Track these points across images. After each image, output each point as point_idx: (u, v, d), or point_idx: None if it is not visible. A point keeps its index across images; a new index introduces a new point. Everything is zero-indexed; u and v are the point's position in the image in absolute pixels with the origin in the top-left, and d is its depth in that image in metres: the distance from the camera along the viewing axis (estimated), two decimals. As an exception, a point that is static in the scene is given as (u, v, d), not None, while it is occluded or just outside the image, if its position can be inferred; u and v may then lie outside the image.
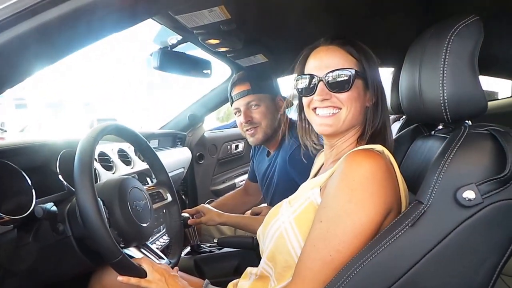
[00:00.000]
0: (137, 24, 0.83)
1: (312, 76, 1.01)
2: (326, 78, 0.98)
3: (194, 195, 2.81)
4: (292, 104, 1.20)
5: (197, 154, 2.80)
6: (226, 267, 1.69)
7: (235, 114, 1.85)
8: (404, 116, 2.49)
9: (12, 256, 1.12)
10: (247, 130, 1.80)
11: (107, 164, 1.70)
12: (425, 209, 0.78)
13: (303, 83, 1.03)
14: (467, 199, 0.74)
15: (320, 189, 0.96)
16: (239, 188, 2.39)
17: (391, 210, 0.88)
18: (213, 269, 1.68)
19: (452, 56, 0.82)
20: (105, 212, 1.09)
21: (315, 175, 1.19)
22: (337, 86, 0.98)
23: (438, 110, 0.85)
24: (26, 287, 1.20)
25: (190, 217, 1.70)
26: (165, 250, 1.83)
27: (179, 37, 1.71)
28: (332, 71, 0.98)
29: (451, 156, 0.77)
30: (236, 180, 3.13)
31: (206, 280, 1.23)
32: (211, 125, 3.61)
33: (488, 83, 3.25)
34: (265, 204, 2.03)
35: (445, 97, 0.83)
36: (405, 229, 0.79)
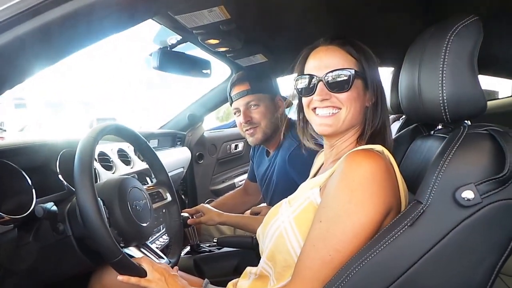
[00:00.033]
0: (137, 24, 0.84)
1: (311, 76, 1.01)
2: (326, 78, 0.98)
3: (193, 195, 2.81)
4: (292, 104, 1.20)
5: (197, 154, 2.80)
6: (225, 266, 1.69)
7: (235, 114, 1.85)
8: (403, 116, 2.50)
9: (13, 256, 1.12)
10: (246, 130, 1.80)
11: (107, 164, 1.71)
12: (424, 209, 0.78)
13: (303, 83, 1.03)
14: (466, 199, 0.74)
15: (320, 189, 0.96)
16: (238, 188, 2.39)
17: (390, 210, 0.88)
18: (213, 268, 1.68)
19: (451, 56, 0.82)
20: (105, 211, 1.09)
21: (314, 175, 1.19)
22: (336, 86, 0.98)
23: (437, 110, 0.85)
24: (26, 286, 1.20)
25: (190, 217, 1.70)
26: (165, 249, 1.83)
27: (179, 37, 1.71)
28: (332, 71, 0.98)
29: (450, 156, 0.77)
30: (236, 180, 3.13)
31: (206, 279, 1.24)
32: (210, 125, 3.61)
33: (488, 82, 3.25)
34: (265, 204, 2.03)
35: (445, 97, 0.83)
36: (404, 229, 0.79)
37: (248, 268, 1.19)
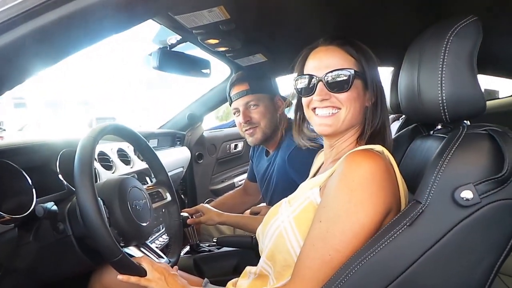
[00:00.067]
0: (137, 25, 0.84)
1: (311, 76, 1.01)
2: (326, 78, 0.98)
3: (193, 195, 2.81)
4: (292, 103, 1.21)
5: (196, 154, 2.80)
6: (225, 266, 1.69)
7: (234, 114, 1.85)
8: (403, 116, 2.50)
9: (13, 255, 1.12)
10: (246, 130, 1.80)
11: (106, 163, 1.71)
12: (423, 208, 0.78)
13: (303, 83, 1.04)
14: (464, 199, 0.75)
15: (320, 189, 0.97)
16: (238, 188, 2.39)
17: (390, 210, 0.88)
18: (212, 268, 1.68)
19: (451, 56, 0.83)
20: (105, 211, 1.09)
21: (314, 175, 1.20)
22: (336, 86, 0.98)
23: (436, 110, 0.85)
24: (26, 285, 1.21)
25: (190, 217, 1.71)
26: (165, 249, 1.84)
27: (178, 37, 1.71)
28: (332, 71, 0.98)
29: (449, 156, 0.78)
30: (235, 180, 3.13)
31: (206, 279, 1.24)
32: (210, 124, 3.61)
33: (489, 82, 3.25)
34: (264, 204, 2.03)
35: (444, 97, 0.83)
36: (403, 229, 0.79)
37: (248, 268, 1.19)
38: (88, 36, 0.79)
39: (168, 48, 1.77)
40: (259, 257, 1.12)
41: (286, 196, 1.10)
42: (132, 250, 1.18)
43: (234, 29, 1.51)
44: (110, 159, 1.75)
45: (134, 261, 1.05)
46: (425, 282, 0.80)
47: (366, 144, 1.00)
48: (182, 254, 1.75)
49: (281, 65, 2.09)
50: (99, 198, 1.01)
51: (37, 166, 1.28)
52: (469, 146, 0.79)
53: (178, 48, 1.80)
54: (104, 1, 0.72)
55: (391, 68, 2.37)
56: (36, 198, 1.13)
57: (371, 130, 1.02)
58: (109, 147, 1.81)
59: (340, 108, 1.00)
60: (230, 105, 1.87)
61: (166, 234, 2.01)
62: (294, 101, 1.18)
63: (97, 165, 1.60)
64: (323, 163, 1.16)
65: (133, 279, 1.04)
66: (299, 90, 1.06)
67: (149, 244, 1.30)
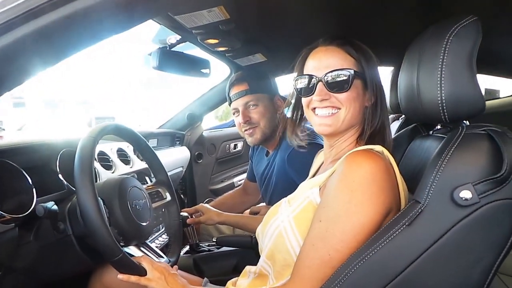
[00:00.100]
0: (137, 25, 0.84)
1: (311, 77, 1.01)
2: (325, 78, 0.99)
3: (192, 194, 2.81)
4: (291, 103, 1.21)
5: (196, 154, 2.80)
6: (225, 266, 1.69)
7: (234, 114, 1.85)
8: (403, 116, 2.50)
9: (13, 254, 1.13)
10: (245, 130, 1.80)
11: (106, 163, 1.71)
12: (422, 208, 0.78)
13: (302, 83, 1.04)
14: (463, 198, 0.75)
15: (320, 189, 0.97)
16: (237, 188, 2.39)
17: (390, 211, 0.88)
18: (212, 268, 1.68)
19: (450, 57, 0.83)
20: (105, 211, 1.10)
21: (314, 175, 1.20)
22: (336, 86, 0.98)
23: (436, 111, 0.85)
24: (27, 285, 1.21)
25: (189, 216, 1.71)
26: (164, 249, 1.84)
27: (178, 37, 1.72)
28: (331, 71, 0.98)
29: (448, 156, 0.78)
30: (235, 180, 3.13)
31: (205, 278, 1.24)
32: (209, 124, 3.60)
33: (490, 81, 3.25)
34: (264, 204, 2.03)
35: (443, 98, 0.83)
36: (402, 228, 0.79)
37: (248, 267, 1.19)
38: (88, 37, 0.79)
39: (167, 48, 1.77)
40: (259, 256, 1.12)
41: (286, 196, 1.11)
42: (132, 250, 1.18)
43: (233, 29, 1.51)
44: (110, 159, 1.75)
45: (134, 260, 1.06)
46: (424, 281, 0.80)
47: (366, 144, 1.01)
48: (181, 253, 1.75)
49: (280, 65, 2.09)
50: (99, 198, 1.01)
51: (37, 166, 1.28)
52: (468, 146, 0.79)
53: (177, 48, 1.81)
54: (104, 1, 0.72)
55: (391, 68, 2.37)
56: (36, 197, 1.14)
57: (371, 130, 1.02)
58: (109, 147, 1.81)
59: (340, 108, 1.00)
60: (230, 105, 1.87)
61: (166, 233, 2.01)
62: (293, 101, 1.18)
63: (97, 165, 1.60)
64: (322, 163, 1.17)
65: (133, 278, 1.04)
66: (298, 90, 1.06)
67: (149, 243, 1.31)
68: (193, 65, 1.95)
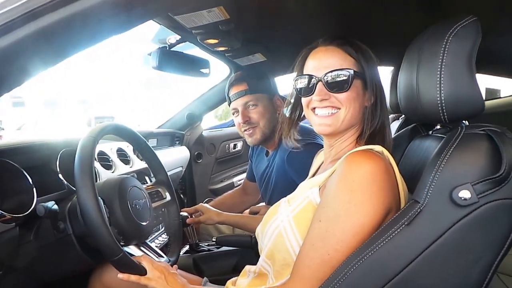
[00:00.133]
0: (137, 26, 0.84)
1: (311, 77, 1.01)
2: (325, 78, 0.99)
3: (192, 194, 2.81)
4: (291, 103, 1.21)
5: (195, 153, 2.80)
6: (224, 265, 1.69)
7: (233, 114, 1.85)
8: (403, 116, 2.50)
9: (14, 254, 1.13)
10: (245, 130, 1.80)
11: (106, 163, 1.71)
12: (421, 208, 0.78)
13: (302, 83, 1.04)
14: (462, 198, 0.75)
15: (319, 189, 0.97)
16: (237, 188, 2.39)
17: (390, 211, 0.89)
18: (212, 267, 1.68)
19: (449, 57, 0.83)
20: (106, 210, 1.10)
21: (313, 175, 1.20)
22: (336, 86, 0.98)
23: (435, 111, 0.86)
24: (27, 284, 1.21)
25: (189, 216, 1.71)
26: (164, 248, 1.84)
27: (178, 37, 1.72)
28: (331, 72, 0.98)
29: (447, 156, 0.78)
30: (235, 179, 3.13)
31: (205, 278, 1.24)
32: (209, 123, 3.60)
33: (491, 81, 3.25)
34: (263, 203, 2.04)
35: (442, 98, 0.84)
36: (401, 228, 0.80)
37: (247, 267, 1.19)
38: (88, 37, 0.80)
39: (167, 48, 1.78)
40: (259, 256, 1.13)
41: (285, 196, 1.11)
42: (132, 249, 1.19)
43: (233, 29, 1.51)
44: (110, 159, 1.75)
45: (134, 260, 1.06)
46: (423, 281, 0.80)
47: (365, 144, 1.01)
48: (181, 253, 1.75)
49: (280, 64, 2.09)
50: (99, 198, 1.01)
51: (37, 165, 1.28)
52: (467, 146, 0.79)
53: (177, 48, 1.81)
54: (104, 2, 0.72)
55: (391, 68, 2.37)
56: (37, 197, 1.14)
57: (370, 130, 1.02)
58: (109, 147, 1.81)
59: (339, 108, 1.00)
60: (229, 105, 1.87)
61: (165, 233, 2.01)
62: (292, 101, 1.18)
63: (97, 164, 1.61)
64: (322, 163, 1.17)
65: (133, 277, 1.04)
66: (298, 90, 1.06)
67: (149, 243, 1.31)
68: (192, 65, 1.96)
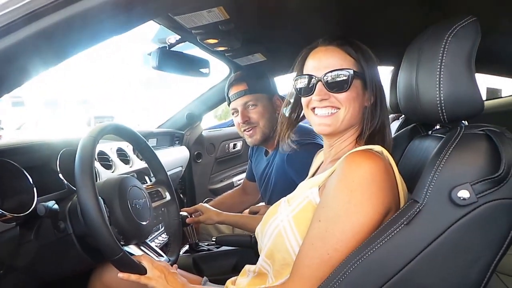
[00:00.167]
0: (137, 26, 0.84)
1: (310, 77, 1.02)
2: (325, 78, 0.99)
3: (192, 194, 2.81)
4: (290, 103, 1.21)
5: (195, 153, 2.80)
6: (224, 265, 1.69)
7: (233, 114, 1.85)
8: (403, 115, 2.50)
9: (14, 253, 1.13)
10: (245, 130, 1.80)
11: (106, 163, 1.72)
12: (420, 207, 0.79)
13: (302, 83, 1.04)
14: (461, 198, 0.75)
15: (319, 189, 0.97)
16: (237, 187, 2.39)
17: (389, 210, 0.89)
18: (212, 267, 1.68)
19: (449, 57, 0.83)
20: (106, 210, 1.10)
21: (313, 174, 1.20)
22: (335, 86, 0.99)
23: (434, 111, 0.86)
24: (27, 283, 1.21)
25: (189, 216, 1.71)
26: (164, 248, 1.84)
27: (178, 37, 1.72)
28: (331, 71, 0.99)
29: (447, 156, 0.78)
30: (234, 179, 3.13)
31: (205, 277, 1.24)
32: (209, 123, 3.60)
33: (491, 80, 3.25)
34: (263, 203, 2.04)
35: (442, 98, 0.84)
36: (400, 227, 0.80)
37: (247, 266, 1.19)
38: (89, 38, 0.80)
39: (167, 48, 1.78)
40: (258, 256, 1.13)
41: (285, 196, 1.11)
42: (132, 249, 1.19)
43: (233, 29, 1.52)
44: (110, 159, 1.76)
45: (134, 259, 1.06)
46: (422, 280, 0.80)
47: (365, 143, 1.01)
48: (181, 253, 1.76)
49: (280, 64, 2.09)
50: (99, 197, 1.01)
51: (37, 165, 1.28)
52: (466, 146, 0.79)
53: (177, 48, 1.81)
54: (105, 3, 0.72)
55: (391, 68, 2.37)
56: (37, 197, 1.14)
57: (370, 130, 1.02)
58: (109, 147, 1.82)
59: (339, 108, 1.00)
60: (229, 105, 1.87)
61: (165, 233, 2.01)
62: (292, 101, 1.18)
63: (97, 164, 1.61)
64: (322, 163, 1.17)
65: (134, 277, 1.05)
66: (298, 90, 1.06)
67: (149, 242, 1.31)
68: (192, 65, 1.96)
